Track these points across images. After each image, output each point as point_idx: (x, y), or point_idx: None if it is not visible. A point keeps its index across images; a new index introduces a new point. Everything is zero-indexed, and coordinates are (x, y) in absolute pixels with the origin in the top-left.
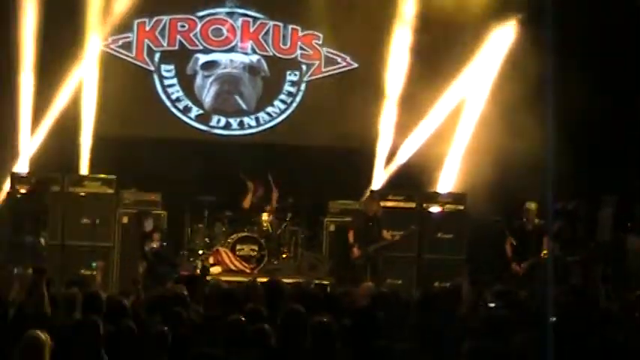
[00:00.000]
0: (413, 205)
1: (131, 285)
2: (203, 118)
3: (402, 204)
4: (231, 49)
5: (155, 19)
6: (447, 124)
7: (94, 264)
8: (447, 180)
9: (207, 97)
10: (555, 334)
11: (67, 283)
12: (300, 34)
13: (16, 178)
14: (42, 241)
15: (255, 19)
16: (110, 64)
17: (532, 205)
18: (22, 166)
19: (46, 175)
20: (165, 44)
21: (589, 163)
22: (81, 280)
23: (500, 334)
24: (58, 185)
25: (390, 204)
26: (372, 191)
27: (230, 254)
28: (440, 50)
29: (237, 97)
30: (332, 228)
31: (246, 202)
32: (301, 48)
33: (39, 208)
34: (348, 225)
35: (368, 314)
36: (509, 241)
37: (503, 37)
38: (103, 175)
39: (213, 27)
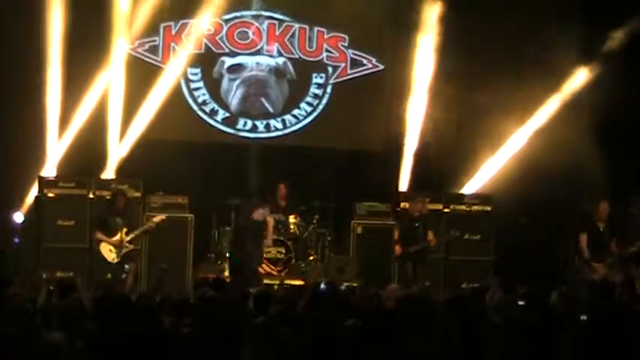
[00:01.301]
0: (440, 206)
1: (156, 285)
2: (229, 121)
3: (428, 205)
4: (258, 52)
5: (181, 22)
6: (474, 124)
7: (126, 266)
8: (475, 181)
9: (234, 100)
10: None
11: (95, 286)
12: (326, 36)
13: (44, 182)
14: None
15: (280, 21)
16: (136, 67)
17: (605, 205)
18: (49, 170)
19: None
20: (191, 48)
21: (617, 162)
22: (108, 284)
23: (529, 335)
24: (85, 189)
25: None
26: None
27: None
28: (471, 51)
29: (264, 100)
30: (359, 230)
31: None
32: (327, 50)
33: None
34: (394, 225)
35: (393, 316)
36: (583, 239)
37: None
38: (130, 179)
39: (239, 30)
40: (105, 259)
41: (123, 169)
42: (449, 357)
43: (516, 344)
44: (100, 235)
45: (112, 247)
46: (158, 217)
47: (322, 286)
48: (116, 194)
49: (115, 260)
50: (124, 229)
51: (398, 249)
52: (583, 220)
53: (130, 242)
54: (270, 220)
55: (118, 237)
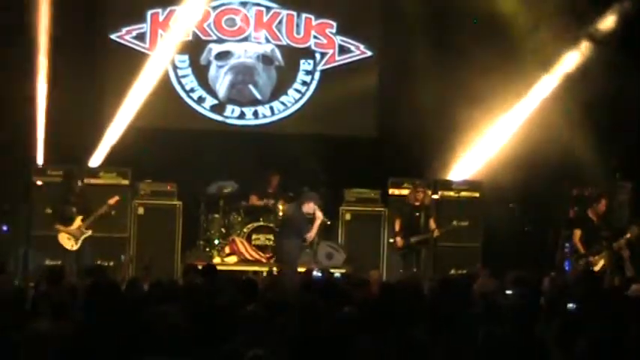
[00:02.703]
0: (429, 192)
1: (143, 271)
2: (217, 109)
3: (430, 194)
4: (245, 39)
5: (169, 9)
6: (465, 111)
7: (122, 257)
8: (464, 167)
9: (222, 87)
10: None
11: (85, 272)
12: (314, 22)
13: (32, 170)
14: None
15: (268, 8)
16: (124, 54)
17: (604, 201)
18: (37, 158)
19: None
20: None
21: (604, 149)
22: (99, 270)
23: (517, 321)
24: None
25: (405, 192)
26: (415, 182)
27: (246, 244)
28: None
29: (252, 87)
30: (348, 217)
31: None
32: (315, 37)
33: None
34: (394, 214)
35: (378, 303)
36: (577, 234)
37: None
38: (118, 167)
39: (227, 17)
40: (64, 248)
41: (111, 157)
42: (435, 342)
43: (504, 330)
44: (57, 226)
45: (69, 235)
46: (113, 200)
47: (316, 273)
48: (69, 177)
49: (75, 247)
50: (80, 216)
51: (399, 241)
52: (577, 214)
53: (87, 228)
54: (320, 216)
55: (75, 225)
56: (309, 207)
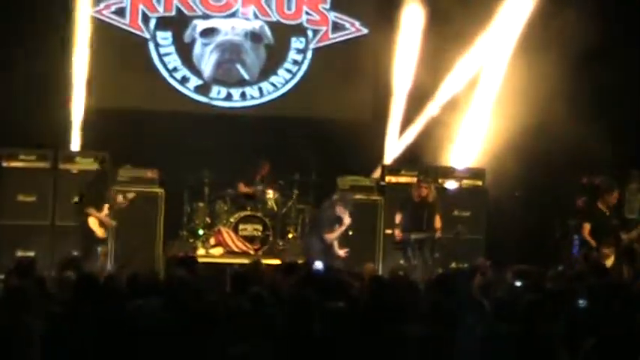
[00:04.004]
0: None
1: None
2: (202, 89)
3: (416, 180)
4: (232, 15)
5: None
6: (464, 94)
7: (99, 248)
8: (465, 154)
9: (207, 66)
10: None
11: (61, 266)
12: None
13: (3, 155)
14: None
15: None
16: (102, 31)
17: (616, 193)
18: (8, 141)
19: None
20: (161, 10)
21: (616, 137)
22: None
23: (520, 319)
24: (47, 162)
25: (402, 180)
26: (419, 176)
27: (232, 235)
28: (457, 14)
29: (239, 67)
30: None
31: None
32: (307, 13)
33: None
34: (396, 207)
35: (373, 298)
36: (587, 228)
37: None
38: (95, 151)
39: None
40: (91, 235)
41: (88, 140)
42: (433, 339)
43: (506, 326)
44: (90, 210)
45: (101, 222)
46: (130, 195)
47: (317, 265)
48: (103, 163)
49: (103, 235)
50: (107, 205)
51: (398, 234)
52: (586, 204)
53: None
54: (347, 222)
55: (106, 211)
56: (341, 210)
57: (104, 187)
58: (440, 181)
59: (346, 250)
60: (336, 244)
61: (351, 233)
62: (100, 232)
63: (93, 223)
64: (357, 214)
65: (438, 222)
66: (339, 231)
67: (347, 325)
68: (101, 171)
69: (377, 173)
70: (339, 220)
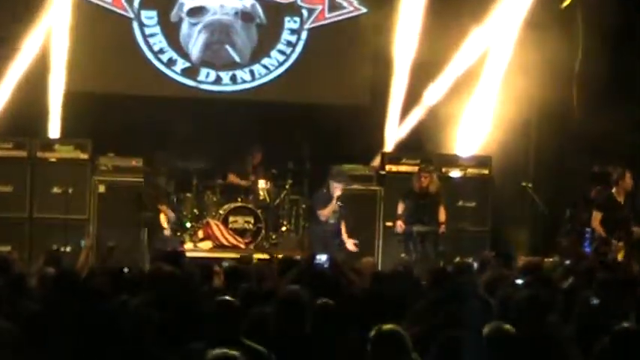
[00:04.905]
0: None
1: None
2: (190, 72)
3: (417, 168)
4: None
5: None
6: (469, 77)
7: (82, 242)
8: (470, 141)
9: (195, 47)
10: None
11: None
12: None
13: None
14: None
15: None
16: (83, 10)
17: (628, 176)
18: None
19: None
20: None
21: (632, 124)
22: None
23: (528, 317)
24: (24, 150)
25: (403, 168)
26: (420, 165)
27: (222, 227)
28: None
29: (229, 48)
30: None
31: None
32: None
33: None
34: (398, 197)
35: (372, 294)
36: (597, 217)
37: None
38: (76, 139)
39: None
40: (162, 231)
41: (68, 127)
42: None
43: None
44: (162, 206)
45: (167, 218)
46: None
47: (321, 259)
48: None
49: (168, 233)
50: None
51: (400, 225)
52: (599, 194)
53: None
54: (337, 193)
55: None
56: (334, 185)
57: (158, 183)
58: (443, 169)
59: (355, 242)
60: (345, 237)
61: (340, 204)
62: (167, 227)
63: (163, 219)
64: (355, 205)
65: (442, 215)
66: (331, 206)
67: (341, 324)
68: (147, 169)
69: (376, 161)
70: (332, 198)
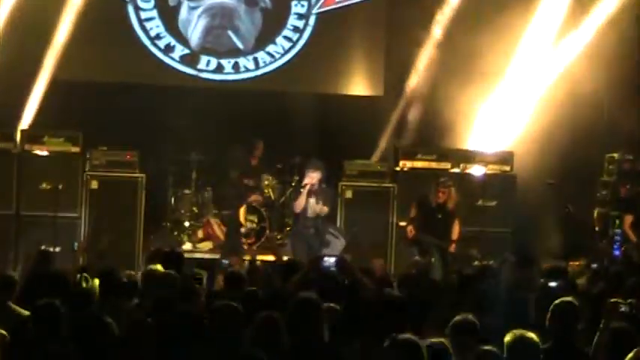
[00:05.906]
0: (448, 165)
1: (96, 260)
2: (189, 59)
3: (433, 164)
4: None
5: None
6: (490, 67)
7: (75, 244)
8: (491, 135)
9: (195, 33)
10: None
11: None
12: None
13: None
14: None
15: None
16: None
17: None
18: None
19: None
20: None
21: None
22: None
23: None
24: (11, 143)
25: (419, 165)
26: (440, 180)
27: (223, 227)
28: None
29: (231, 34)
30: (349, 194)
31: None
32: None
33: None
34: (412, 197)
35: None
36: (628, 220)
37: None
38: (66, 131)
39: None
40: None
41: (58, 118)
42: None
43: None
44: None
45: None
46: None
47: (329, 261)
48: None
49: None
50: None
51: (410, 230)
52: (630, 193)
53: None
54: (307, 180)
55: None
56: (310, 177)
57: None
58: (462, 166)
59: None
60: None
61: (302, 189)
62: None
63: (242, 214)
64: (367, 204)
65: (455, 233)
66: (301, 197)
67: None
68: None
69: (389, 157)
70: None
